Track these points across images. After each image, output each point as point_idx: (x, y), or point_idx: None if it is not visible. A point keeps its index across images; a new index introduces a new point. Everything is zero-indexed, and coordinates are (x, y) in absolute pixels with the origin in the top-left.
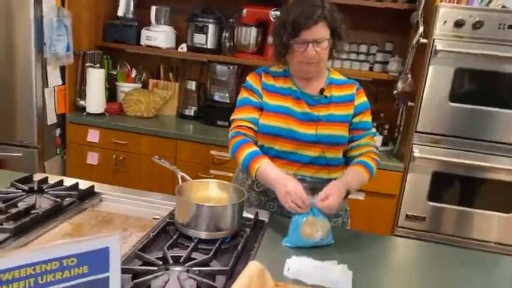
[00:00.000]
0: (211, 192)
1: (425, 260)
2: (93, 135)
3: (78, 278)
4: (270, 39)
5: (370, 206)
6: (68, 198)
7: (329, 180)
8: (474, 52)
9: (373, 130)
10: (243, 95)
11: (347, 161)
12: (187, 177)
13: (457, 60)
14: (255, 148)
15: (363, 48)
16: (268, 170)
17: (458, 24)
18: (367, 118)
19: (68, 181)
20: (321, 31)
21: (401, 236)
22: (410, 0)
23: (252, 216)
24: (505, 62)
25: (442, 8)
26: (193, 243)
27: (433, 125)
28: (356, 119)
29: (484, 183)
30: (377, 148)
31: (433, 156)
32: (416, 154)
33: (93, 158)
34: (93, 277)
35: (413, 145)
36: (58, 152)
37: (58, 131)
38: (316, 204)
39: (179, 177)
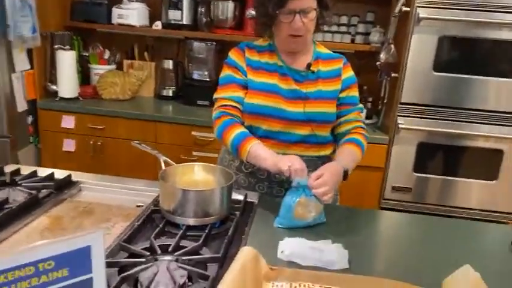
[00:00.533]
0: (197, 176)
1: (415, 232)
2: (68, 121)
3: (57, 283)
4: (248, 13)
5: (357, 180)
6: (43, 190)
7: (319, 157)
8: (457, 19)
9: (360, 105)
10: (226, 72)
11: (335, 137)
12: (171, 161)
13: (440, 28)
14: (243, 129)
15: (344, 19)
16: (259, 151)
17: None
18: (354, 93)
19: (43, 171)
20: (308, 1)
21: (388, 208)
22: None
23: (241, 198)
24: (488, 27)
25: None
26: (181, 231)
27: (417, 95)
28: (343, 94)
29: (468, 152)
30: (364, 123)
31: (417, 127)
32: (401, 126)
33: (69, 145)
34: (75, 280)
35: (398, 117)
36: (31, 141)
37: (30, 119)
38: (309, 184)
39: (162, 161)
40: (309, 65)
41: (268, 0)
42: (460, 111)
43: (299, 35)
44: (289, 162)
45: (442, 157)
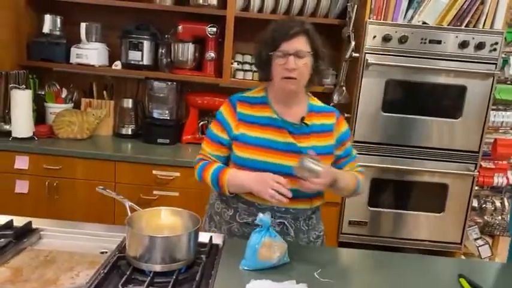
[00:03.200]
0: (164, 221)
1: (372, 268)
2: (21, 162)
3: None
4: (208, 55)
5: None
6: (2, 239)
7: (311, 209)
8: (401, 65)
9: (354, 153)
10: (213, 128)
11: None
12: (136, 206)
13: (386, 73)
14: (220, 164)
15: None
16: (237, 175)
17: (386, 39)
18: (349, 145)
19: (1, 218)
20: (301, 44)
21: (346, 242)
22: (340, 16)
23: (206, 241)
24: (427, 73)
25: (370, 24)
26: (149, 278)
27: (369, 134)
28: (339, 151)
29: (416, 186)
30: (360, 166)
31: (370, 164)
32: None
33: (22, 187)
34: None
35: None
36: None
37: None
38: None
39: (127, 207)
40: (302, 118)
41: (263, 43)
42: (407, 148)
43: (293, 77)
44: (269, 188)
45: (394, 192)
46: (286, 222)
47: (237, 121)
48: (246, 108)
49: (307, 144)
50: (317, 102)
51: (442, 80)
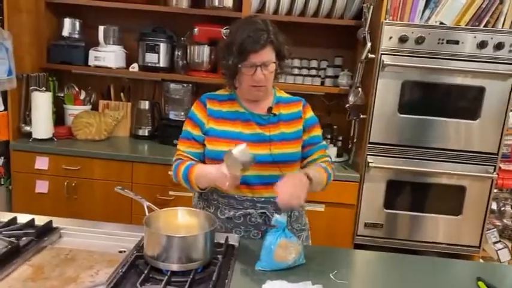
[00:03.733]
0: (181, 221)
1: (388, 271)
2: (41, 162)
3: None
4: None
5: (330, 217)
6: (24, 238)
7: None
8: (418, 65)
9: (323, 143)
10: (186, 127)
11: None
12: (154, 206)
13: (403, 74)
14: (190, 161)
15: (314, 63)
16: (203, 168)
17: (402, 39)
18: (316, 132)
19: (22, 217)
20: (268, 54)
21: (361, 245)
22: (356, 17)
23: (222, 242)
24: (444, 73)
25: (386, 25)
26: (166, 277)
27: (384, 135)
28: (306, 136)
29: (433, 188)
30: (331, 158)
31: (386, 165)
32: (371, 164)
33: (42, 187)
34: None
35: (367, 155)
36: (2, 183)
37: (1, 160)
38: (278, 201)
39: (145, 207)
40: (270, 109)
41: (230, 54)
42: (424, 150)
43: (261, 85)
44: (224, 176)
45: (410, 194)
46: (267, 212)
47: (207, 117)
48: (215, 104)
49: (276, 132)
50: (284, 94)
51: (459, 81)
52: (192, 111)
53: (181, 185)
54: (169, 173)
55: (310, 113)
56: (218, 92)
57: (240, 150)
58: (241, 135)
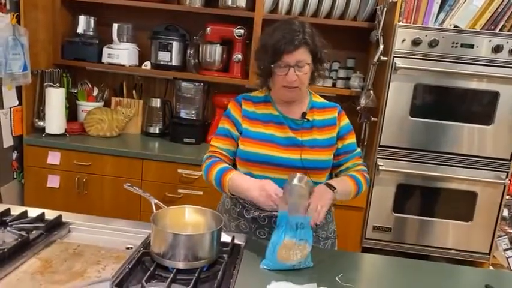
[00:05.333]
0: (188, 219)
1: (395, 276)
2: (53, 157)
3: None
4: (235, 57)
5: (338, 219)
6: (34, 231)
7: None
8: (431, 69)
9: (358, 150)
10: (223, 124)
11: None
12: (162, 204)
13: (415, 77)
14: (225, 164)
15: (325, 64)
16: (239, 178)
17: (416, 42)
18: (351, 140)
19: (33, 211)
20: (302, 55)
21: (369, 248)
22: (369, 19)
23: (228, 241)
24: (458, 77)
25: (400, 27)
26: (171, 275)
27: (395, 139)
28: (340, 144)
29: (444, 193)
30: (365, 166)
31: (396, 169)
32: (380, 167)
33: (53, 181)
34: None
35: (378, 159)
36: (15, 177)
37: (15, 154)
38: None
39: (153, 204)
40: (304, 114)
41: (264, 55)
42: (435, 154)
43: (294, 86)
44: (269, 197)
45: (420, 198)
46: None
47: (242, 117)
48: (250, 105)
49: (308, 138)
50: (319, 99)
51: (473, 85)
52: (229, 109)
53: (200, 183)
54: (180, 171)
55: (345, 121)
56: (253, 94)
57: (300, 179)
58: (273, 138)
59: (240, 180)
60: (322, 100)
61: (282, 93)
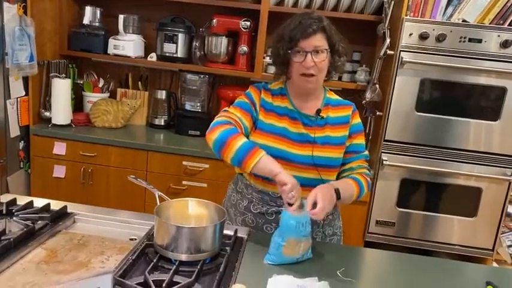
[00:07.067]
0: (191, 212)
1: (396, 270)
2: (59, 148)
3: None
4: (241, 49)
5: (342, 213)
6: (39, 221)
7: None
8: (438, 64)
9: (366, 152)
10: (243, 99)
11: None
12: (165, 196)
13: (422, 71)
14: (249, 140)
15: (343, 58)
16: (271, 163)
17: (423, 36)
18: (359, 140)
19: (38, 202)
20: (319, 41)
21: (372, 242)
22: (376, 12)
23: (231, 234)
24: (465, 73)
25: (407, 21)
26: (174, 266)
27: (401, 133)
28: (348, 142)
29: (448, 189)
30: (369, 170)
31: (401, 164)
32: (385, 162)
33: (59, 171)
34: None
35: (382, 153)
36: (22, 166)
37: (21, 144)
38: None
39: (157, 196)
40: (318, 111)
41: (281, 41)
42: (441, 149)
43: (311, 73)
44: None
45: (424, 193)
46: None
47: (259, 105)
48: (268, 96)
49: (321, 135)
50: (334, 96)
51: (481, 80)
52: (249, 92)
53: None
54: (184, 163)
55: (357, 120)
56: (271, 86)
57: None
58: (286, 132)
59: (274, 162)
60: (336, 97)
61: (299, 83)
